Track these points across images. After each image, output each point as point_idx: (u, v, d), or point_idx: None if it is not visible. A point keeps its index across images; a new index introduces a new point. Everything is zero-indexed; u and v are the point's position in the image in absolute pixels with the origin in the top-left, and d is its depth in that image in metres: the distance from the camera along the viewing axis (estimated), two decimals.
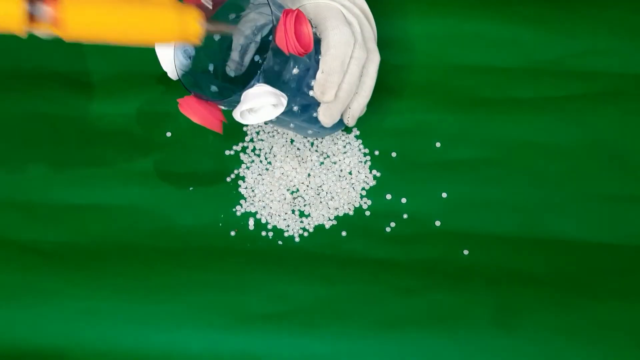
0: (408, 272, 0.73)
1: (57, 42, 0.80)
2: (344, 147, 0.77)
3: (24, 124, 0.79)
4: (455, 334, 0.70)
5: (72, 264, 0.73)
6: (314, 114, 0.70)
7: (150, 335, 0.71)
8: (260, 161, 0.77)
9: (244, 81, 0.72)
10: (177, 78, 0.68)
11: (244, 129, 0.78)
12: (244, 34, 0.73)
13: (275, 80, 0.65)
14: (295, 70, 0.66)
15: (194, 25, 0.58)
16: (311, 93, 0.68)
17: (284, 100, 0.65)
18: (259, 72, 0.63)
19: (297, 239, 0.74)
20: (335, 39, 0.68)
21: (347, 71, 0.69)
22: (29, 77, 0.79)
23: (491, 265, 0.73)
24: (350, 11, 0.71)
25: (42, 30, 0.54)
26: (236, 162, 0.77)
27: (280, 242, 0.74)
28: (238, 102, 0.65)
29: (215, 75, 0.72)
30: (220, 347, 0.70)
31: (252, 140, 0.78)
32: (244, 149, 0.78)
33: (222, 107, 0.68)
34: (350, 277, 0.73)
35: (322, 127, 0.72)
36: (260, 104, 0.64)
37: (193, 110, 0.67)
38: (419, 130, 0.77)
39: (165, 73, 0.66)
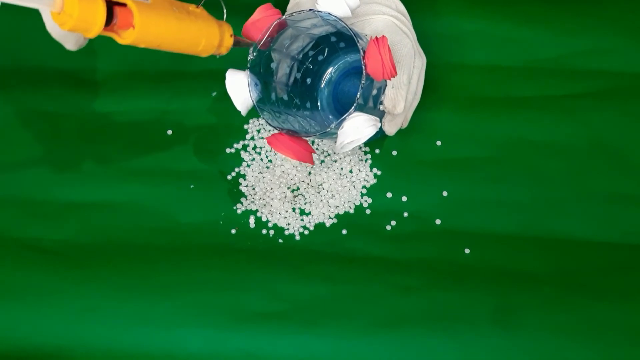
0: (408, 270, 0.73)
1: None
2: None
3: (26, 121, 0.79)
4: (455, 333, 0.70)
5: (73, 262, 0.73)
6: None
7: (151, 333, 0.71)
8: (261, 159, 0.77)
9: (298, 99, 0.74)
10: (246, 113, 0.70)
11: (245, 126, 0.78)
12: (290, 55, 0.74)
13: (361, 105, 0.67)
14: (374, 92, 0.68)
15: (228, 38, 0.64)
16: (381, 107, 0.70)
17: (378, 123, 0.66)
18: (355, 104, 0.65)
19: (297, 237, 0.74)
20: (401, 53, 0.70)
21: (411, 82, 0.70)
22: (30, 75, 0.79)
23: (491, 264, 0.73)
24: (398, 19, 0.71)
25: (89, 36, 0.56)
26: (237, 160, 0.77)
27: (280, 240, 0.74)
28: (332, 133, 0.67)
29: (277, 102, 0.73)
30: (221, 345, 0.71)
31: (252, 138, 0.78)
32: (244, 147, 0.78)
33: (307, 139, 0.69)
34: (351, 276, 0.73)
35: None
36: (362, 134, 0.65)
37: (286, 146, 0.68)
38: (419, 128, 0.77)
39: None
